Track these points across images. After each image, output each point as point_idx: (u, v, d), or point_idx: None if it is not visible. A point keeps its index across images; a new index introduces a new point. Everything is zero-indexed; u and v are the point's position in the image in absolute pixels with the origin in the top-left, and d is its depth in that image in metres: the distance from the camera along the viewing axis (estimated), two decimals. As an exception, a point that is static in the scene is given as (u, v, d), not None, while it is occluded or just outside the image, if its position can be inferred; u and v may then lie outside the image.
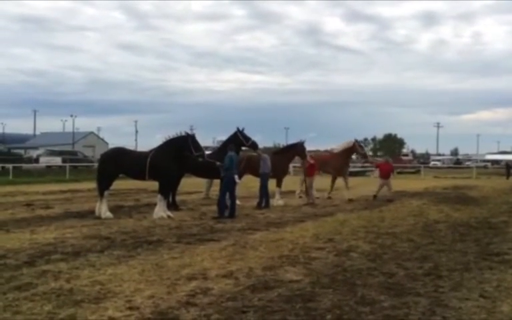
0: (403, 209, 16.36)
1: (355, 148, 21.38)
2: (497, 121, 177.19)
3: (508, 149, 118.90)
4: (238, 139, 16.43)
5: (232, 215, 13.52)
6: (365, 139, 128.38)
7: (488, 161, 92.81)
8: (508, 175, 44.38)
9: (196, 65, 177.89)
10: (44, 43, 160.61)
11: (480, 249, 9.37)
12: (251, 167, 17.74)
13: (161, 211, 13.43)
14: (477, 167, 59.02)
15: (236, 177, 13.80)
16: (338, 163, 20.93)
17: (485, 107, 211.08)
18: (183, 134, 14.07)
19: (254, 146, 17.18)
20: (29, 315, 5.36)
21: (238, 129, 16.74)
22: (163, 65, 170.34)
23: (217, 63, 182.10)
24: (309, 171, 18.82)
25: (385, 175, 20.83)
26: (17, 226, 11.65)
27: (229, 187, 13.67)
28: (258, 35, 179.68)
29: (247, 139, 16.77)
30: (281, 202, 17.48)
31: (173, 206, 15.14)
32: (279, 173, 18.08)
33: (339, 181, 21.27)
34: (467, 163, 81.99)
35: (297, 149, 18.75)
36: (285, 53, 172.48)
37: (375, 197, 19.70)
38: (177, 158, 13.76)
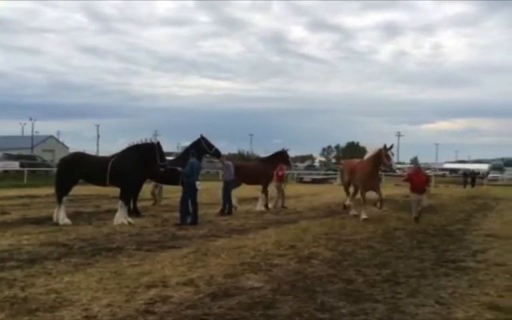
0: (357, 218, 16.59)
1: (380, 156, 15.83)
2: (455, 130, 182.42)
3: (465, 158, 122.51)
4: (201, 146, 16.38)
5: (194, 222, 13.42)
6: (329, 147, 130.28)
7: (446, 169, 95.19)
8: (465, 184, 45.74)
9: (160, 69, 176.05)
10: (4, 45, 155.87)
11: (437, 256, 9.60)
12: (246, 174, 18.43)
13: (121, 217, 13.21)
14: (436, 176, 60.45)
15: (197, 183, 13.71)
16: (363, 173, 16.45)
17: (444, 117, 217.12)
18: (149, 142, 13.91)
19: (217, 154, 17.18)
20: (-20, 324, 5.17)
21: (202, 135, 16.68)
22: (126, 68, 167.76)
23: (182, 68, 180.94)
24: (279, 178, 19.31)
25: (419, 188, 15.04)
26: (-30, 232, 11.23)
27: (190, 193, 13.57)
28: (223, 41, 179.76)
29: (210, 146, 16.77)
30: (262, 208, 18.14)
31: (134, 212, 14.94)
32: (265, 179, 18.62)
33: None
34: (426, 172, 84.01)
35: (282, 156, 19.36)
36: (250, 60, 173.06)
37: (416, 218, 14.89)
38: (139, 164, 13.57)
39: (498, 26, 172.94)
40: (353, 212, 16.80)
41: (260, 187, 18.88)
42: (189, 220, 13.44)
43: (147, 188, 19.10)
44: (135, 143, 13.79)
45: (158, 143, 13.97)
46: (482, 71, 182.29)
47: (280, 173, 19.32)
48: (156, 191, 19.70)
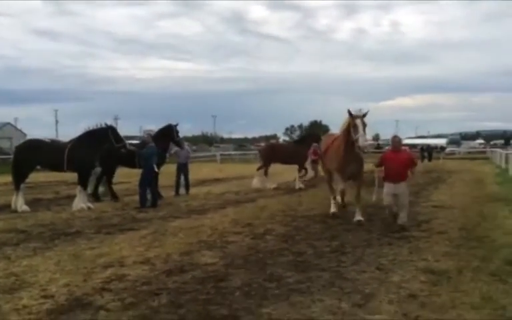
0: (320, 193, 17.10)
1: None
2: (414, 106, 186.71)
3: (425, 134, 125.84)
4: (171, 132, 16.42)
5: (154, 204, 13.65)
6: (292, 126, 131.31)
7: (406, 145, 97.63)
8: (422, 158, 47.18)
9: (118, 51, 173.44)
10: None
11: (384, 227, 10.12)
12: (282, 155, 20.10)
13: (80, 202, 13.31)
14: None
15: (155, 166, 13.93)
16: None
17: (404, 94, 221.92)
18: (103, 126, 13.99)
19: (180, 144, 17.13)
20: None
21: (172, 124, 16.60)
22: (83, 51, 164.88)
23: (141, 50, 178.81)
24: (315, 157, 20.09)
25: (396, 174, 10.51)
26: None
27: (148, 177, 13.77)
28: (182, 21, 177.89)
29: (177, 134, 16.75)
30: (301, 185, 19.20)
31: (112, 197, 15.38)
32: (301, 159, 19.91)
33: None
34: (386, 148, 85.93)
35: (314, 137, 20.54)
36: (210, 41, 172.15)
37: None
38: (95, 149, 13.67)
39: (454, 2, 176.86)
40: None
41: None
42: (148, 203, 13.65)
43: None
44: (91, 128, 13.87)
45: (111, 126, 14.12)
46: (439, 47, 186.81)
47: (315, 153, 19.91)
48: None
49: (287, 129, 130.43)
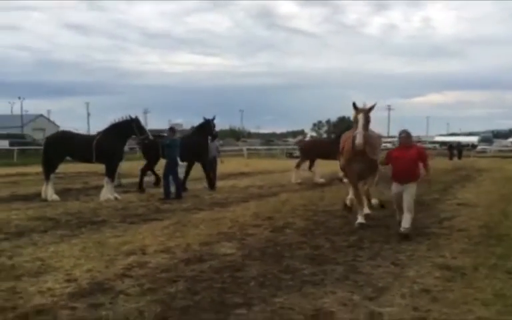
0: (344, 188, 17.11)
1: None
2: (446, 103, 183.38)
3: (457, 131, 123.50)
4: (209, 127, 16.85)
5: (178, 196, 13.91)
6: (319, 122, 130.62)
7: (436, 142, 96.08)
8: (451, 156, 46.44)
9: (148, 46, 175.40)
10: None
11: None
12: (317, 150, 20.23)
13: (108, 193, 13.68)
14: (425, 149, 61.06)
15: (178, 159, 14.20)
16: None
17: (435, 90, 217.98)
18: (128, 118, 14.36)
19: (215, 136, 17.56)
20: (-31, 288, 5.66)
21: (208, 119, 16.97)
22: (114, 45, 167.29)
23: (171, 45, 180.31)
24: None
25: (405, 173, 9.49)
26: (-40, 209, 11.67)
27: (172, 169, 14.04)
28: (211, 16, 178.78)
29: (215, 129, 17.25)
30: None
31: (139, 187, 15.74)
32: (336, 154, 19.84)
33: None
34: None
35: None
36: (239, 36, 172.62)
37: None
38: (122, 141, 14.14)
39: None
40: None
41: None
42: (172, 195, 13.92)
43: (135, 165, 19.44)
44: (116, 120, 14.26)
45: (136, 119, 14.48)
46: (471, 43, 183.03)
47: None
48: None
49: (314, 125, 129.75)
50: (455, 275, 6.31)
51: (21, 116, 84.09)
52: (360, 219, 9.73)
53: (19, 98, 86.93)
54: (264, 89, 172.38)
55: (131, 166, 22.59)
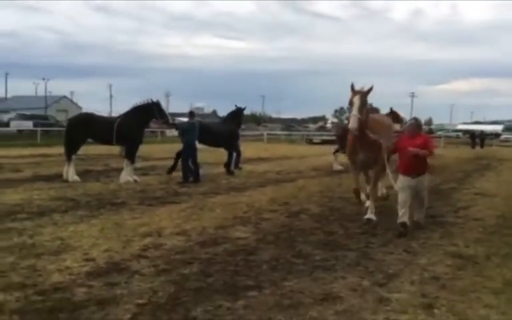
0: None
1: None
2: (471, 91, 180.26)
3: (481, 119, 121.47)
4: (240, 115, 17.54)
5: (196, 180, 14.08)
6: (341, 108, 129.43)
7: (460, 130, 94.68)
8: (473, 145, 45.84)
9: (171, 28, 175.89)
10: (13, 3, 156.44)
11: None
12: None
13: (127, 175, 13.91)
14: (448, 137, 60.33)
15: (196, 142, 14.37)
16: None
17: (460, 77, 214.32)
18: (149, 101, 14.54)
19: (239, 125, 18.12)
20: (-8, 265, 5.90)
21: (240, 107, 17.51)
22: (137, 28, 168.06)
23: (193, 27, 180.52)
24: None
25: (413, 165, 9.37)
26: (-15, 188, 12.02)
27: (190, 153, 14.21)
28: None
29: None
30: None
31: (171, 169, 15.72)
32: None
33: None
34: (439, 133, 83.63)
35: (394, 116, 19.59)
36: (263, 19, 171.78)
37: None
38: (142, 124, 14.38)
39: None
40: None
41: None
42: (191, 179, 14.10)
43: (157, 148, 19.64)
44: (138, 103, 14.46)
45: (156, 102, 14.67)
46: (498, 30, 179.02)
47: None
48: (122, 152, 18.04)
49: (336, 111, 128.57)
50: (466, 264, 6.35)
51: (45, 97, 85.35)
52: (368, 215, 9.08)
53: (43, 79, 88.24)
54: (286, 73, 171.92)
55: (151, 149, 22.87)
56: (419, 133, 8.46)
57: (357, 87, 8.63)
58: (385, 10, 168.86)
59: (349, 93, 8.69)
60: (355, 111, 8.35)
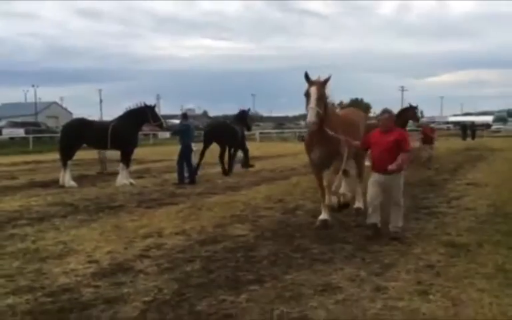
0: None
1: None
2: (460, 83, 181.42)
3: (471, 111, 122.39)
4: (245, 117, 18.50)
5: (192, 181, 14.22)
6: (332, 104, 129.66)
7: (450, 122, 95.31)
8: (464, 136, 46.27)
9: (159, 31, 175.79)
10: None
11: (413, 204, 10.32)
12: None
13: (123, 179, 14.04)
14: (438, 129, 60.65)
15: (192, 144, 14.53)
16: None
17: (449, 70, 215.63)
18: (143, 105, 14.70)
19: (250, 127, 19.71)
20: (-1, 270, 6.04)
21: (244, 109, 18.68)
22: (125, 31, 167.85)
23: (181, 29, 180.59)
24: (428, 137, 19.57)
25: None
26: (-18, 196, 12.10)
27: (185, 154, 14.36)
28: None
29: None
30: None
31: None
32: None
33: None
34: (430, 126, 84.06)
35: (410, 112, 19.05)
36: (250, 18, 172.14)
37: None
38: (136, 127, 14.55)
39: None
40: None
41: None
42: (186, 180, 14.25)
43: (152, 151, 19.74)
44: (131, 107, 14.61)
45: (150, 106, 14.86)
46: (486, 21, 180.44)
47: (429, 132, 19.50)
48: (101, 156, 18.30)
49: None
50: (459, 251, 6.55)
51: (35, 103, 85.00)
52: (323, 215, 8.28)
53: (33, 86, 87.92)
54: (276, 72, 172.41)
55: (144, 152, 22.96)
56: (393, 127, 7.56)
57: (313, 77, 7.80)
58: (372, 6, 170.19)
59: (304, 84, 7.80)
60: (312, 104, 7.49)
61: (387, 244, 7.07)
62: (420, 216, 9.05)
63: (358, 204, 9.43)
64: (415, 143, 19.35)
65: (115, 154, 15.89)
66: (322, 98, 7.65)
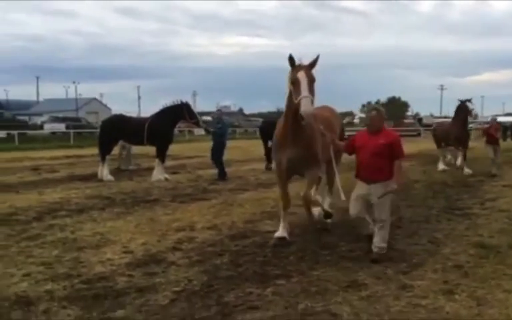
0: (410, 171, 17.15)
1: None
2: (503, 82, 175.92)
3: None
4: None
5: (222, 178, 14.42)
6: (368, 103, 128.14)
7: (487, 123, 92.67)
8: (505, 137, 45.02)
9: (197, 28, 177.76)
10: (41, 8, 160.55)
11: (447, 204, 10.25)
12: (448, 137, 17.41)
13: (158, 174, 14.40)
14: (478, 129, 59.18)
15: (226, 141, 14.82)
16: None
17: (490, 69, 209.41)
18: (179, 102, 15.03)
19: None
20: (39, 258, 6.40)
21: None
22: (163, 29, 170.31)
23: (218, 27, 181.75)
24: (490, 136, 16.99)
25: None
26: (25, 188, 12.68)
27: (218, 151, 14.62)
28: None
29: None
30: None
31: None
32: (467, 141, 17.34)
33: None
34: (470, 126, 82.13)
35: (463, 110, 17.15)
36: (286, 15, 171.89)
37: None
38: (172, 124, 14.88)
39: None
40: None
41: None
42: (215, 176, 14.51)
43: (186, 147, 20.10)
44: (168, 104, 14.96)
45: (187, 103, 15.18)
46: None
47: (494, 131, 16.93)
48: (123, 152, 17.42)
49: (363, 106, 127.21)
50: (489, 253, 6.51)
51: (76, 99, 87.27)
52: (280, 232, 7.15)
53: (74, 82, 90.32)
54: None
55: (179, 148, 23.35)
56: (382, 128, 6.38)
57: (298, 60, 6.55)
58: (411, 2, 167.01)
59: (288, 69, 6.60)
60: (305, 92, 6.22)
61: (416, 243, 7.09)
62: (452, 217, 8.98)
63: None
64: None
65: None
66: (312, 84, 6.42)
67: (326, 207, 8.10)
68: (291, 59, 6.49)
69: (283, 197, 7.34)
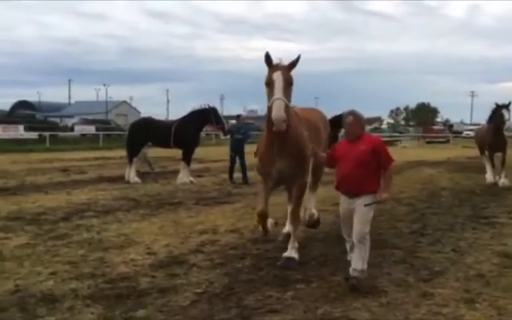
0: (415, 176, 17.07)
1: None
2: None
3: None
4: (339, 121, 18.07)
5: (245, 181, 14.52)
6: (397, 108, 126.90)
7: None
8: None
9: (225, 32, 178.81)
10: (73, 11, 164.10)
11: (473, 213, 10.12)
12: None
13: (184, 177, 14.60)
14: (510, 137, 57.99)
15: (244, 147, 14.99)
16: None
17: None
18: (206, 107, 15.25)
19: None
20: (65, 257, 6.58)
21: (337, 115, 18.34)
22: (191, 32, 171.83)
23: (246, 31, 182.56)
24: None
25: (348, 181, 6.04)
26: (54, 188, 13.02)
27: (239, 154, 14.76)
28: (286, 1, 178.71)
29: None
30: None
31: None
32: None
33: None
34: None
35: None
36: (314, 19, 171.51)
37: None
38: (199, 128, 15.11)
39: None
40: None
41: None
42: (237, 180, 14.62)
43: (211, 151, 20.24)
44: (195, 108, 15.20)
45: (214, 108, 15.36)
46: None
47: None
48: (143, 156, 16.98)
49: (391, 111, 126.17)
50: (512, 264, 6.42)
51: (106, 102, 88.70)
52: (290, 252, 6.48)
53: (104, 85, 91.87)
54: (339, 74, 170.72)
55: (205, 152, 23.56)
56: (361, 133, 5.74)
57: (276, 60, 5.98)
58: (441, 6, 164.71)
59: (264, 68, 6.00)
60: (278, 94, 5.65)
61: (439, 251, 7.03)
62: (477, 225, 8.86)
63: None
64: None
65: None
66: (289, 87, 5.86)
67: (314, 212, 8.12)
68: (268, 58, 5.90)
69: (262, 213, 6.45)
